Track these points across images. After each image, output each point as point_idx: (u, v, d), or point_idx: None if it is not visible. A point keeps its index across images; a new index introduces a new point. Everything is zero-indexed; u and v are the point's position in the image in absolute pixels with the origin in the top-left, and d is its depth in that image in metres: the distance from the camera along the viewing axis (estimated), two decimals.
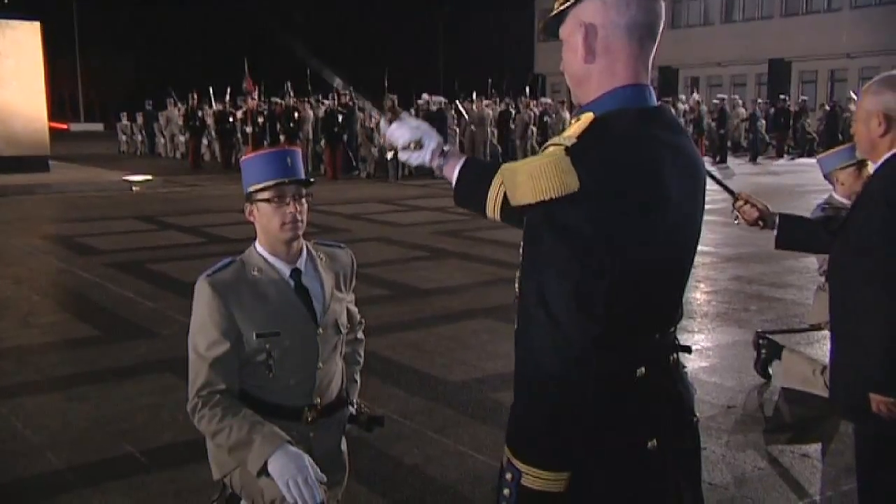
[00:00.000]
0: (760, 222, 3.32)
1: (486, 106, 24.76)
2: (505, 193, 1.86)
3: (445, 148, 2.12)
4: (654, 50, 1.74)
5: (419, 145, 2.10)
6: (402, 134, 2.11)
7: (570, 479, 1.64)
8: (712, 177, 3.27)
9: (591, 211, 1.58)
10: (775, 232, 3.34)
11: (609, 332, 1.63)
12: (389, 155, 2.18)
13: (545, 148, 1.67)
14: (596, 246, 1.59)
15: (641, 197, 1.62)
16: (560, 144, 1.62)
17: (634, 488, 1.72)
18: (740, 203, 3.39)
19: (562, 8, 1.74)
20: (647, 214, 1.64)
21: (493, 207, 1.88)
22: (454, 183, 2.10)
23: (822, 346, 5.81)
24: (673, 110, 23.16)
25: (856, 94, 26.26)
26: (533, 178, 1.60)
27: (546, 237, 1.62)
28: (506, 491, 1.66)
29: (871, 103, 2.81)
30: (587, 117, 1.68)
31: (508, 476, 1.66)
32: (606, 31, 1.68)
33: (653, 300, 1.72)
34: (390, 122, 2.15)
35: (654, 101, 1.76)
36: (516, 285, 1.73)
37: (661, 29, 1.75)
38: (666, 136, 1.71)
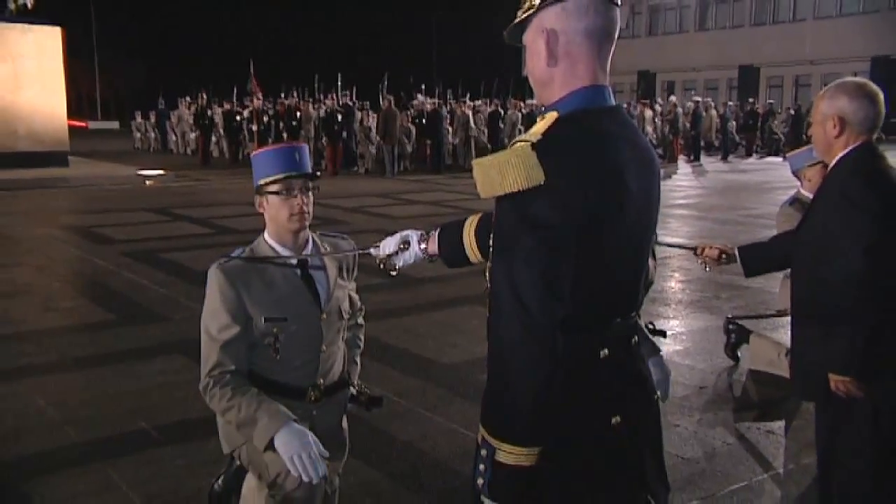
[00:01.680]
0: (724, 257, 3.39)
1: (478, 106, 24.76)
2: (477, 237, 2.10)
3: (426, 234, 2.37)
4: (611, 52, 1.74)
5: (406, 244, 2.37)
6: (389, 244, 2.36)
7: (540, 454, 1.65)
8: (668, 244, 3.42)
9: (554, 201, 1.57)
10: (740, 265, 3.42)
11: (574, 316, 1.64)
12: (393, 273, 2.52)
13: (513, 144, 1.66)
14: (560, 235, 1.58)
15: (603, 188, 1.61)
16: (527, 141, 1.62)
17: (600, 461, 1.72)
18: (700, 251, 3.48)
19: (524, 16, 1.73)
20: (609, 205, 1.63)
21: (472, 253, 2.09)
22: (438, 252, 2.31)
23: (786, 331, 5.79)
24: (648, 111, 23.23)
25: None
26: (501, 172, 1.59)
27: (513, 227, 1.61)
28: (481, 466, 1.67)
29: (827, 107, 2.83)
30: (551, 116, 1.69)
31: (484, 452, 1.66)
32: (567, 36, 1.68)
33: (615, 286, 1.72)
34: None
35: (612, 101, 1.75)
36: (487, 275, 1.73)
37: (617, 33, 1.74)
38: (623, 132, 1.72)
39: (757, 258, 3.38)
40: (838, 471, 2.88)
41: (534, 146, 1.59)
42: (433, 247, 2.31)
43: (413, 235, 2.33)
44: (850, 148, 2.81)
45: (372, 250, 2.45)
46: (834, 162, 2.87)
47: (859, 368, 2.72)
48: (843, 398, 2.78)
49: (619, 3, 1.74)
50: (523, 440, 1.62)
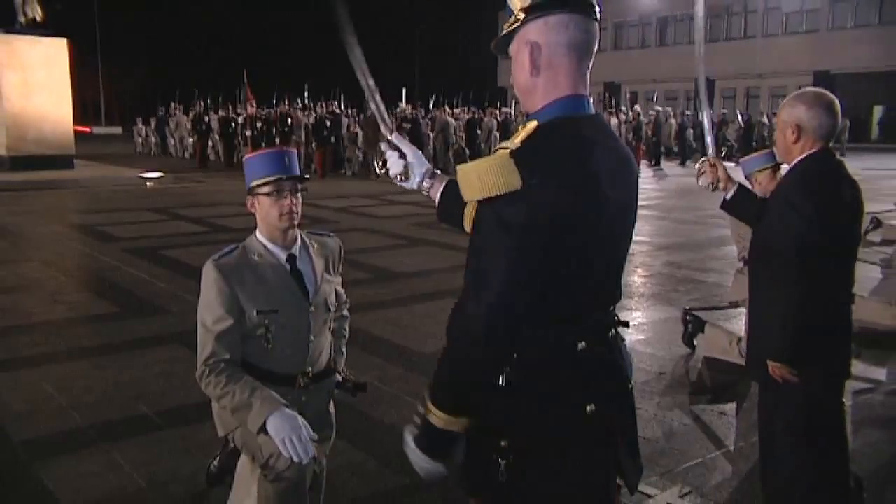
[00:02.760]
0: (719, 184, 3.26)
1: (456, 114, 24.74)
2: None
3: (436, 171, 2.17)
4: (590, 64, 1.73)
5: (406, 176, 2.14)
6: (394, 165, 2.13)
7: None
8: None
9: (529, 206, 1.55)
10: (728, 195, 3.28)
11: (553, 310, 1.64)
12: (380, 171, 2.24)
13: (495, 151, 1.66)
14: (532, 236, 1.57)
15: (577, 193, 1.59)
16: (507, 148, 1.62)
17: (575, 446, 1.71)
18: (709, 163, 3.31)
19: (510, 29, 1.72)
20: (584, 209, 1.61)
21: (468, 222, 1.90)
22: (437, 202, 2.14)
23: (738, 322, 5.88)
24: (614, 119, 23.30)
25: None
26: (481, 177, 1.58)
27: (490, 228, 1.60)
28: (417, 420, 1.74)
29: (787, 115, 2.86)
30: (531, 125, 1.68)
31: (420, 409, 1.73)
32: (549, 48, 1.67)
33: (593, 284, 1.71)
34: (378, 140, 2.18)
35: (592, 110, 1.74)
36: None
37: (596, 47, 1.73)
38: (601, 139, 1.70)
39: (743, 202, 3.30)
40: (775, 446, 2.91)
41: (512, 153, 1.59)
42: (434, 193, 2.14)
43: (418, 172, 2.12)
44: (805, 154, 2.83)
45: (383, 146, 2.17)
46: (790, 167, 2.90)
47: (790, 356, 2.77)
48: (779, 382, 2.83)
49: (599, 18, 1.72)
50: (446, 408, 1.66)
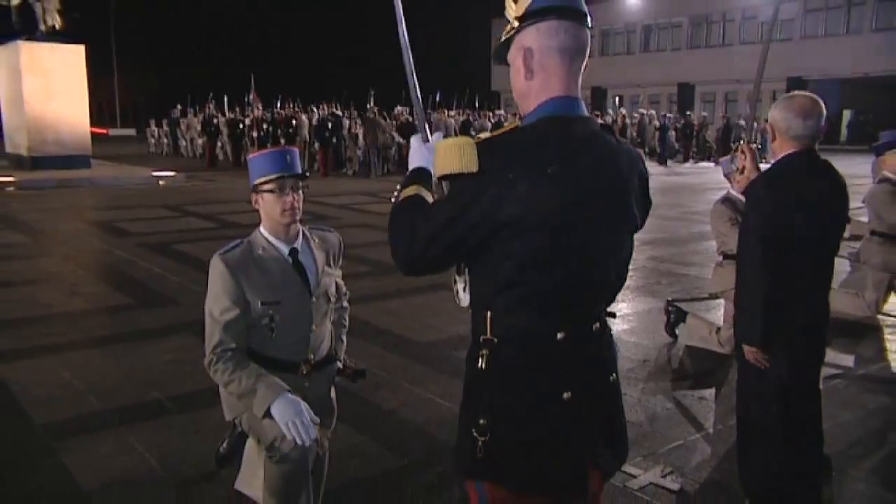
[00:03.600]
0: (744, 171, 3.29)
1: (451, 116, 24.70)
2: None
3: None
4: (582, 68, 1.71)
5: None
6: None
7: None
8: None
9: (478, 188, 1.57)
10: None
11: (527, 301, 1.64)
12: None
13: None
14: (471, 216, 1.58)
15: (541, 188, 1.56)
16: (477, 138, 1.63)
17: (549, 429, 1.68)
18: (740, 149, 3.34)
19: (507, 37, 1.72)
20: (546, 203, 1.57)
21: None
22: None
23: (717, 312, 5.88)
24: (600, 122, 23.61)
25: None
26: (445, 155, 1.60)
27: (439, 197, 1.69)
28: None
29: (770, 117, 2.89)
30: (511, 124, 1.68)
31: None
32: (541, 52, 1.66)
33: (569, 279, 1.66)
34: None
35: (583, 111, 1.71)
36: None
37: (587, 51, 1.71)
38: (585, 139, 1.66)
39: None
40: (752, 427, 2.92)
41: (478, 141, 1.60)
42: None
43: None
44: (784, 154, 2.83)
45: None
46: (770, 166, 2.91)
47: (759, 342, 2.79)
48: (758, 367, 2.84)
49: (590, 25, 1.71)
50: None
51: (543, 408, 1.67)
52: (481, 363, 1.67)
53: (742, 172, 3.28)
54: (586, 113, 1.72)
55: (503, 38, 1.73)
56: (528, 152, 1.59)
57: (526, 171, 1.56)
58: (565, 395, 1.67)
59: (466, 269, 1.80)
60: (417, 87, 2.16)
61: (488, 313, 1.67)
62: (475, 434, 1.67)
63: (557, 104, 1.67)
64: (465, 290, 1.85)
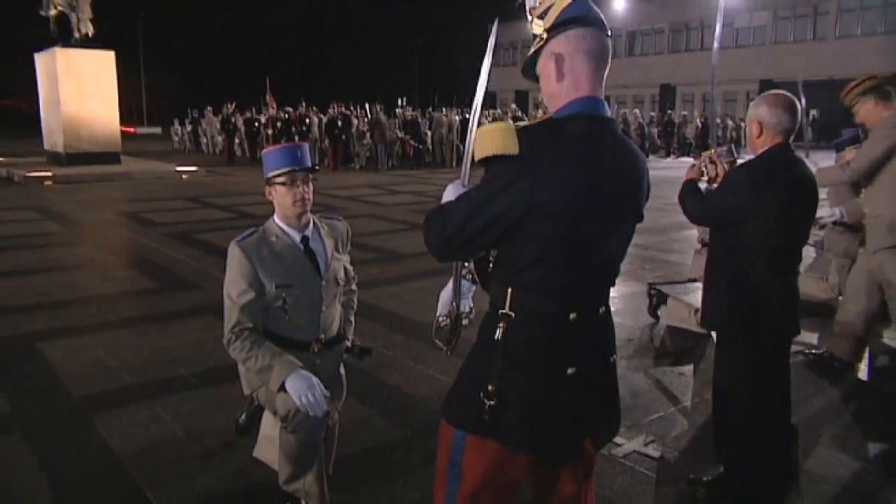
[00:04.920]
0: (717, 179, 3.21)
1: (452, 114, 24.61)
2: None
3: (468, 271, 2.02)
4: (605, 71, 1.71)
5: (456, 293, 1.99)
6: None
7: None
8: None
9: (518, 170, 1.56)
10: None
11: (546, 283, 1.64)
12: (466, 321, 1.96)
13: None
14: (518, 202, 1.57)
15: (566, 177, 1.57)
16: (518, 124, 1.62)
17: (551, 400, 1.69)
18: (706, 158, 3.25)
19: (537, 48, 1.73)
20: (570, 193, 1.58)
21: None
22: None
23: (696, 295, 5.87)
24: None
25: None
26: (483, 138, 1.59)
27: (481, 180, 1.63)
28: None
29: (752, 114, 2.86)
30: (545, 116, 1.68)
31: None
32: (571, 56, 1.67)
33: (582, 263, 1.67)
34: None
35: (607, 112, 1.71)
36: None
37: (609, 57, 1.72)
38: (606, 137, 1.67)
39: None
40: (727, 400, 2.92)
41: (518, 127, 1.60)
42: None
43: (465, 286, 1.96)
44: (766, 147, 2.81)
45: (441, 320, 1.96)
46: (750, 158, 2.90)
47: (726, 318, 2.83)
48: (729, 344, 2.83)
49: (610, 34, 1.72)
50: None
51: (549, 381, 1.68)
52: (498, 334, 1.68)
53: (714, 181, 3.24)
54: (609, 114, 1.73)
55: (532, 51, 1.74)
56: (561, 143, 1.60)
57: (558, 160, 1.57)
58: (569, 371, 1.69)
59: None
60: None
61: (509, 289, 1.68)
62: (482, 397, 1.67)
63: (585, 103, 1.67)
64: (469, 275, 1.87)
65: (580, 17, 1.67)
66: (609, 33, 1.71)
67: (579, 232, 1.62)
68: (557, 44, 1.68)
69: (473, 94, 1.93)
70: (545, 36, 1.70)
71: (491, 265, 1.78)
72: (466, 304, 1.95)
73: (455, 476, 1.74)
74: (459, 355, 1.89)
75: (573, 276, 1.66)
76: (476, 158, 1.64)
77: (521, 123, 1.62)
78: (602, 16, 1.70)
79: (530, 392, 1.67)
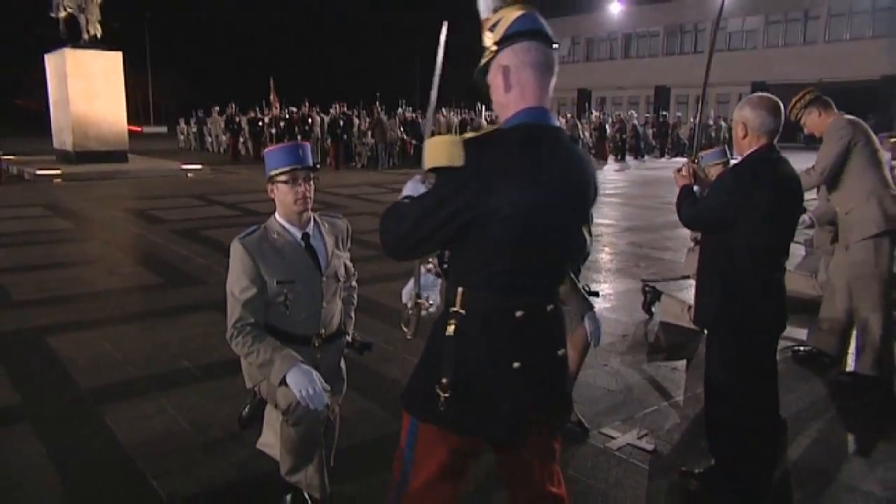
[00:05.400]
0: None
1: (452, 115, 24.62)
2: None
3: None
4: (551, 84, 1.75)
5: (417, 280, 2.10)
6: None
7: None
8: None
9: (461, 180, 1.62)
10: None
11: (494, 281, 1.70)
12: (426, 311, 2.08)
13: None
14: (463, 210, 1.63)
15: (508, 184, 1.63)
16: (465, 136, 1.67)
17: (499, 392, 1.74)
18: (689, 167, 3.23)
19: (486, 60, 1.78)
20: (516, 198, 1.63)
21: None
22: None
23: (689, 292, 5.85)
24: (580, 125, 23.17)
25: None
26: (431, 150, 1.66)
27: (428, 189, 1.71)
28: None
29: (738, 115, 2.86)
30: (492, 127, 1.74)
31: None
32: (517, 68, 1.72)
33: (527, 265, 1.71)
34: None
35: (554, 121, 1.75)
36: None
37: (555, 69, 1.75)
38: (551, 144, 1.71)
39: None
40: (717, 393, 2.92)
41: (464, 139, 1.64)
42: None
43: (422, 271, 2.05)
44: (752, 149, 2.81)
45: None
46: (739, 160, 2.89)
47: (717, 316, 2.82)
48: (721, 340, 2.83)
49: (556, 46, 1.76)
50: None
51: (497, 374, 1.73)
52: (450, 331, 1.74)
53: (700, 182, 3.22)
54: (556, 123, 1.77)
55: (482, 63, 1.79)
56: (506, 152, 1.65)
57: (502, 168, 1.63)
58: (515, 365, 1.73)
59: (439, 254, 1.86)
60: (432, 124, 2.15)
61: (460, 289, 1.74)
62: (437, 390, 1.74)
63: (531, 113, 1.72)
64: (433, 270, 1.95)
65: (527, 31, 1.72)
66: (555, 46, 1.76)
67: (525, 235, 1.67)
68: (505, 56, 1.73)
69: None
70: (494, 48, 1.75)
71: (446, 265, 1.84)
72: (432, 296, 2.05)
73: (410, 458, 1.83)
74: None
75: (520, 277, 1.72)
76: (425, 167, 1.70)
77: (469, 135, 1.67)
78: (549, 30, 1.75)
79: (479, 384, 1.73)
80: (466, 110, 27.69)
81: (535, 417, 1.82)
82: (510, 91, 1.73)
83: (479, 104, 26.16)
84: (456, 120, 23.26)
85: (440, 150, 1.64)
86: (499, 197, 1.62)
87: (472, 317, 1.73)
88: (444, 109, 25.14)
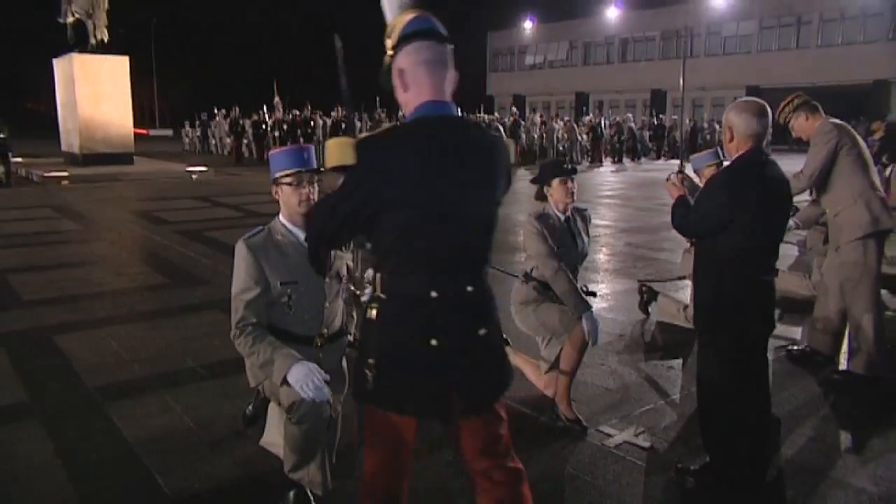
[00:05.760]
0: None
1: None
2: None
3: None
4: (447, 77, 1.82)
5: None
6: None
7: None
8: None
9: (354, 176, 1.75)
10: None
11: (407, 265, 1.78)
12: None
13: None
14: (354, 199, 1.76)
15: (400, 174, 1.72)
16: (357, 137, 1.77)
17: (417, 367, 1.80)
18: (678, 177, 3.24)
19: (387, 65, 1.85)
20: (413, 186, 1.72)
21: None
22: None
23: (685, 292, 5.88)
24: (577, 128, 23.19)
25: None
26: (328, 150, 1.76)
27: (335, 189, 1.82)
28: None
29: (725, 119, 2.86)
30: (388, 126, 1.83)
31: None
32: (411, 69, 1.80)
33: (433, 250, 1.78)
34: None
35: (451, 112, 1.82)
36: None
37: (449, 63, 1.82)
38: (449, 132, 1.79)
39: None
40: (710, 394, 2.92)
41: (356, 140, 1.74)
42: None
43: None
44: (739, 152, 2.81)
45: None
46: (728, 162, 2.89)
47: (709, 316, 2.83)
48: (714, 340, 2.83)
49: (449, 42, 1.83)
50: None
51: (415, 351, 1.80)
52: (372, 314, 1.84)
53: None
54: (455, 113, 1.84)
55: (385, 67, 1.86)
56: (401, 145, 1.75)
57: (397, 160, 1.72)
58: (433, 342, 1.79)
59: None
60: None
61: (378, 275, 1.84)
62: (366, 371, 1.82)
63: (428, 107, 1.79)
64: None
65: (419, 31, 1.79)
66: (449, 43, 1.82)
67: (429, 220, 1.76)
68: (401, 59, 1.81)
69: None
70: (391, 54, 1.82)
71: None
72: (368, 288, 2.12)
73: (362, 438, 1.92)
74: None
75: (430, 259, 1.78)
76: (325, 167, 1.82)
77: (364, 135, 1.76)
78: (441, 28, 1.82)
79: (401, 362, 1.81)
80: (465, 112, 27.72)
81: (465, 394, 1.85)
82: (408, 90, 1.81)
83: None
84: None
85: (333, 152, 1.75)
86: (392, 189, 1.72)
87: (390, 299, 1.81)
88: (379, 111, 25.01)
